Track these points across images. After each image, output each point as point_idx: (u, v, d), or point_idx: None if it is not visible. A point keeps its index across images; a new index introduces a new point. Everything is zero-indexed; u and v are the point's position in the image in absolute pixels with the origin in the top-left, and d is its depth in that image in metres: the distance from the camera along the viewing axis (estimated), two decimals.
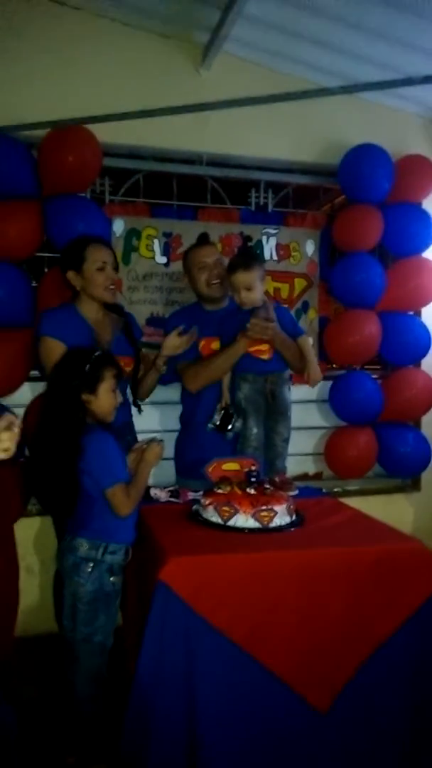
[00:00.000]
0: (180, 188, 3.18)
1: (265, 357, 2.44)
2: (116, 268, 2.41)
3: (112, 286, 2.34)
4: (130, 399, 2.51)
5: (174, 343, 2.48)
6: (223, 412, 2.47)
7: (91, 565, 1.89)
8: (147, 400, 2.63)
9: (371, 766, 1.78)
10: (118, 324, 2.42)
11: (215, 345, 2.55)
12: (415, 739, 1.80)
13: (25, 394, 2.86)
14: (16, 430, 1.46)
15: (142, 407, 2.58)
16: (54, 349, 2.20)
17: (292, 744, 1.73)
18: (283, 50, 3.03)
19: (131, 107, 2.46)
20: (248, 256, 2.51)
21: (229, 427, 2.45)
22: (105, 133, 2.73)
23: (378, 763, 1.79)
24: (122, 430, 2.37)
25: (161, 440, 2.05)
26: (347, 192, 3.23)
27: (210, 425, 2.48)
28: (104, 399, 1.91)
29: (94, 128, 2.69)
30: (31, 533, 2.89)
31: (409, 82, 2.48)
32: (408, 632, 1.76)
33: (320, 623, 1.73)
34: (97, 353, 1.94)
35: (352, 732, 1.76)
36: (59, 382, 1.91)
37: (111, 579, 1.92)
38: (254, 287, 2.39)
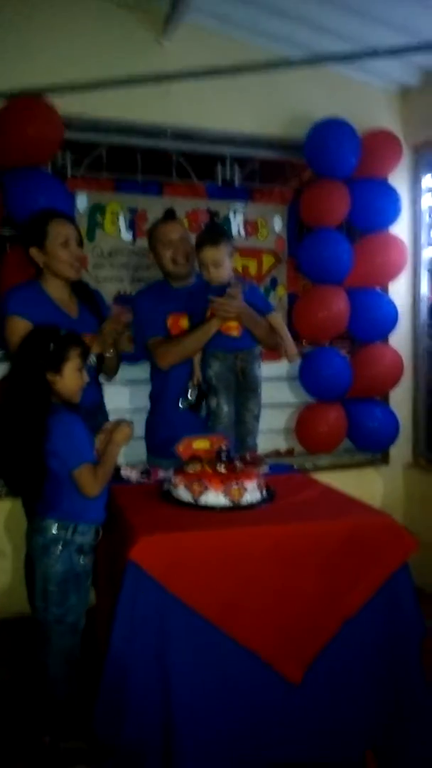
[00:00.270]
0: (145, 163, 3.11)
1: (234, 334, 2.43)
2: (81, 244, 2.35)
3: (76, 263, 2.29)
4: (101, 379, 2.47)
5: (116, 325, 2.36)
6: (197, 389, 2.45)
7: (61, 545, 1.88)
8: (117, 378, 2.60)
9: (343, 735, 1.82)
10: (84, 301, 2.37)
11: (183, 322, 2.53)
12: (386, 709, 1.84)
13: None
14: None
15: (111, 386, 2.55)
16: (20, 328, 2.14)
17: (265, 716, 1.75)
18: (246, 21, 2.97)
19: (92, 78, 2.38)
20: (216, 231, 2.49)
21: (203, 404, 2.44)
22: (66, 105, 2.65)
23: (350, 732, 1.83)
24: (93, 410, 2.34)
25: (130, 421, 2.03)
26: (314, 167, 3.20)
27: (183, 403, 2.46)
28: (70, 379, 1.87)
29: (55, 99, 2.60)
30: (1, 516, 2.86)
31: (373, 54, 2.46)
32: (377, 604, 1.80)
33: (292, 597, 1.75)
34: (62, 332, 1.89)
35: (324, 702, 1.79)
36: (23, 362, 1.87)
37: (81, 559, 1.91)
38: (222, 263, 2.37)
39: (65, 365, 1.86)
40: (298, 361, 3.24)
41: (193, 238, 2.58)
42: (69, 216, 2.43)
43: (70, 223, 2.32)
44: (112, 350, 2.37)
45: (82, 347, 1.93)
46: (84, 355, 1.93)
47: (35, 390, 1.83)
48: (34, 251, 2.26)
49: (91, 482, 1.84)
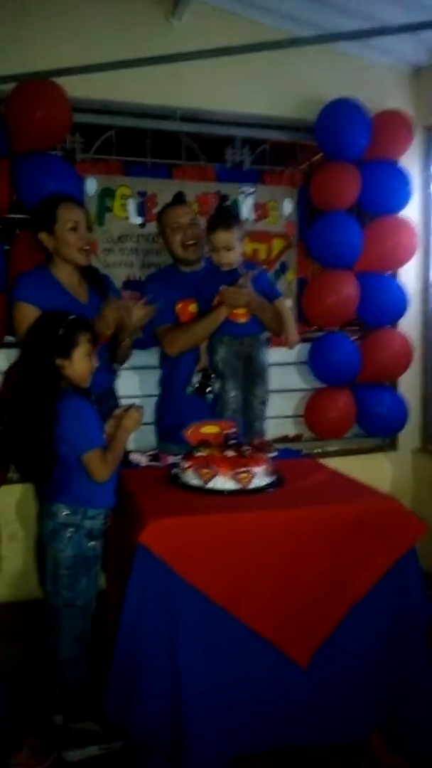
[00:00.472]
0: (154, 146, 3.09)
1: (242, 320, 2.43)
2: (90, 228, 2.34)
3: (86, 247, 2.28)
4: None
5: (140, 313, 2.36)
6: (201, 374, 2.45)
7: (71, 530, 1.90)
8: (126, 364, 2.60)
9: (350, 717, 1.84)
10: (93, 286, 2.36)
11: (192, 307, 2.52)
12: (392, 692, 1.86)
13: (0, 360, 2.81)
14: None
15: (121, 372, 2.55)
16: (29, 314, 2.14)
17: (273, 698, 1.78)
18: (257, 0, 2.92)
19: (101, 59, 2.35)
20: (228, 215, 2.48)
21: (208, 389, 2.44)
22: (75, 88, 2.63)
23: (356, 714, 1.85)
24: (104, 395, 2.35)
25: (140, 406, 2.03)
26: (324, 148, 3.16)
27: (189, 388, 2.47)
28: (79, 364, 1.88)
29: (64, 82, 2.57)
30: (12, 500, 2.89)
31: (384, 31, 2.41)
32: (384, 588, 1.81)
33: (300, 581, 1.76)
34: (71, 317, 1.89)
35: (331, 685, 1.81)
36: (32, 347, 1.87)
37: (91, 543, 1.93)
38: (234, 247, 2.36)
39: (74, 350, 1.86)
40: (306, 347, 3.24)
41: (202, 221, 2.57)
42: (78, 200, 2.41)
43: (79, 208, 2.30)
44: (128, 340, 2.37)
45: (91, 332, 1.93)
46: (93, 340, 1.93)
47: (44, 375, 1.84)
48: (43, 236, 2.25)
49: (100, 467, 1.85)
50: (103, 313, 2.25)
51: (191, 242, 2.49)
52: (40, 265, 2.36)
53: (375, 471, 3.44)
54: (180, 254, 2.53)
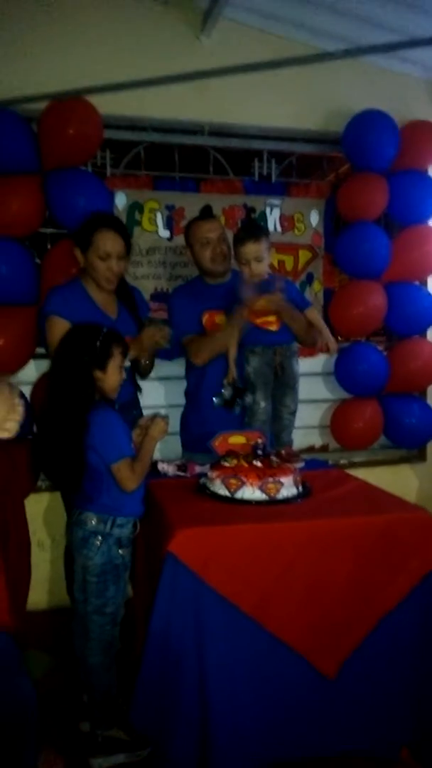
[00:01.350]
0: (182, 160, 3.14)
1: (273, 328, 2.44)
2: (128, 253, 2.32)
3: (112, 278, 2.28)
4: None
5: (155, 336, 2.33)
6: (231, 387, 2.46)
7: (100, 538, 1.92)
8: (152, 374, 2.63)
9: (377, 730, 1.82)
10: (123, 301, 2.40)
11: (218, 318, 2.54)
12: (420, 705, 1.83)
13: (31, 371, 2.87)
14: (20, 409, 1.47)
15: (147, 382, 2.58)
16: (60, 328, 2.18)
17: (300, 709, 1.77)
18: (284, 14, 2.95)
19: (131, 77, 2.41)
20: (256, 227, 2.49)
21: (238, 401, 2.45)
22: (105, 105, 2.69)
23: (383, 727, 1.83)
24: (128, 405, 2.38)
25: (166, 415, 2.05)
26: (352, 160, 3.18)
27: (218, 400, 2.47)
28: (112, 376, 1.91)
29: (94, 99, 2.64)
30: (40, 508, 2.93)
31: (413, 44, 2.42)
32: (414, 601, 1.79)
33: (328, 592, 1.75)
34: (105, 329, 1.93)
35: (358, 697, 1.80)
36: (68, 359, 1.90)
37: (120, 552, 1.94)
38: (263, 259, 2.38)
39: (109, 362, 1.89)
40: (333, 357, 3.23)
41: (229, 234, 2.59)
42: (120, 226, 2.34)
43: (117, 237, 2.26)
44: (147, 359, 2.40)
45: (123, 345, 1.96)
46: (124, 353, 1.97)
47: (80, 386, 1.87)
48: (77, 252, 2.29)
49: (129, 476, 1.87)
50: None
51: (220, 256, 2.50)
52: (73, 278, 2.41)
53: (402, 482, 3.41)
54: (209, 267, 2.55)
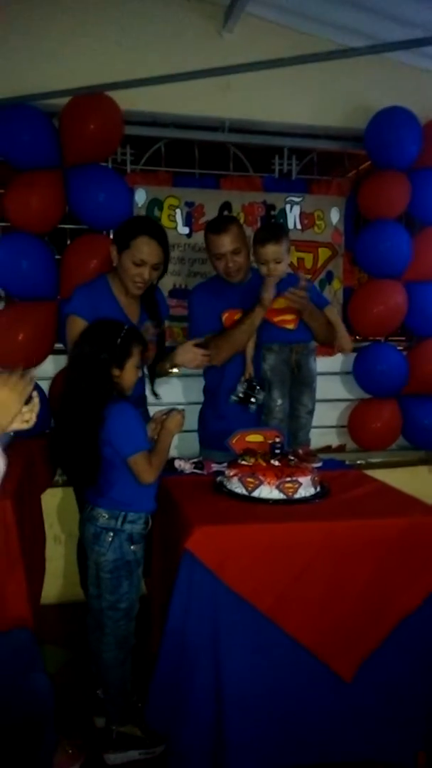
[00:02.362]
0: (202, 156, 3.13)
1: (290, 327, 2.42)
2: (165, 266, 2.30)
3: (140, 284, 2.26)
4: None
5: (187, 356, 2.34)
6: (246, 384, 2.45)
7: (111, 534, 1.92)
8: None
9: (393, 734, 1.80)
10: (145, 305, 2.38)
11: (238, 318, 2.52)
12: None
13: (50, 366, 2.88)
14: (36, 401, 1.48)
15: (166, 379, 2.57)
16: (79, 328, 2.16)
17: (316, 711, 1.75)
18: (306, 10, 2.93)
19: (152, 73, 2.40)
20: (277, 227, 2.47)
21: (252, 399, 2.44)
22: (126, 100, 2.69)
23: (402, 732, 1.81)
24: (138, 401, 2.38)
25: (182, 409, 2.05)
26: (373, 157, 3.14)
27: (233, 397, 2.47)
28: (130, 374, 1.92)
29: (115, 95, 2.64)
30: (54, 503, 2.94)
31: None
32: None
33: (345, 594, 1.74)
34: (126, 327, 1.93)
35: (375, 701, 1.78)
36: (89, 354, 1.90)
37: (132, 547, 1.94)
38: (283, 259, 2.37)
39: (128, 361, 1.90)
40: (352, 356, 3.21)
41: (248, 231, 2.57)
42: (163, 238, 2.27)
43: (158, 247, 2.23)
44: (175, 369, 2.39)
45: (143, 345, 1.97)
46: (143, 352, 1.97)
47: (100, 382, 1.87)
48: (113, 249, 2.28)
49: (146, 469, 1.87)
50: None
51: (234, 270, 2.45)
52: (101, 274, 2.39)
53: (420, 484, 3.36)
54: (224, 278, 2.53)
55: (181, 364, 2.37)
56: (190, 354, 2.34)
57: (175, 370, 2.43)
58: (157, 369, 2.43)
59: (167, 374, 2.49)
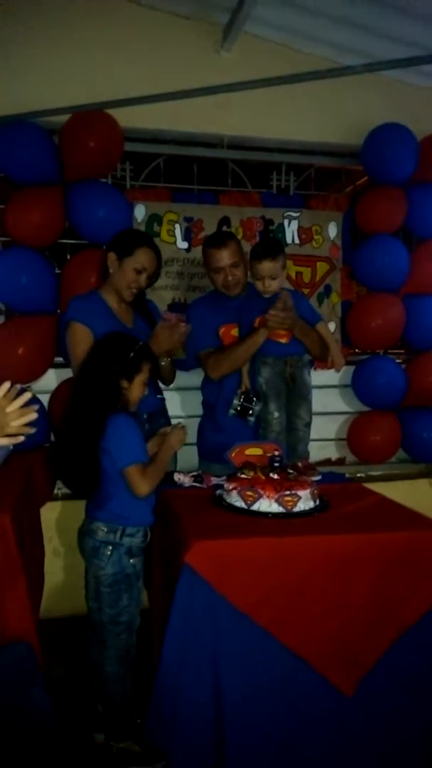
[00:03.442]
0: (201, 172, 3.16)
1: (283, 341, 2.44)
2: (156, 276, 2.42)
3: (135, 291, 2.35)
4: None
5: (164, 333, 2.34)
6: (243, 397, 2.47)
7: (110, 548, 1.92)
8: (170, 385, 2.64)
9: (397, 752, 1.79)
10: (138, 311, 2.43)
11: (235, 332, 2.54)
12: None
13: (50, 380, 2.89)
14: (34, 416, 1.46)
15: (165, 392, 2.59)
16: (82, 334, 2.23)
17: (316, 726, 1.74)
18: (304, 29, 2.98)
19: (151, 91, 2.44)
20: (274, 245, 2.48)
21: (250, 411, 2.45)
22: (125, 118, 2.72)
23: (404, 749, 1.79)
24: (156, 413, 2.42)
25: (184, 426, 2.06)
26: (370, 173, 3.18)
27: (231, 411, 2.48)
28: (137, 389, 1.94)
29: (115, 112, 2.67)
30: (54, 516, 2.94)
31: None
32: None
33: (345, 608, 1.73)
34: (140, 343, 1.97)
35: (376, 715, 1.76)
36: (100, 365, 1.92)
37: (131, 561, 1.95)
38: (278, 276, 2.39)
39: (137, 376, 1.92)
40: (350, 369, 3.22)
41: (246, 246, 2.59)
42: (159, 253, 2.41)
43: (155, 260, 2.37)
44: (168, 359, 2.42)
45: (154, 363, 1.99)
46: (153, 370, 1.99)
47: (107, 392, 1.89)
48: (112, 256, 2.33)
49: (140, 481, 1.87)
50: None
51: (232, 284, 2.49)
52: (90, 290, 2.45)
53: (420, 497, 3.36)
54: (222, 291, 2.55)
55: (167, 347, 2.35)
56: (165, 331, 2.33)
57: (166, 360, 2.45)
58: (161, 372, 2.46)
59: (170, 372, 2.52)
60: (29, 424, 1.47)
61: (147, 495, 1.90)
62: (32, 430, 1.48)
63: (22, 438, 1.48)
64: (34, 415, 1.47)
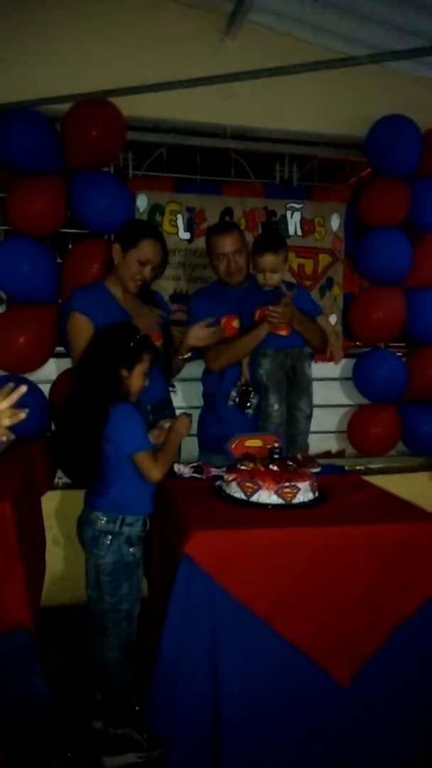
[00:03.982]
0: (204, 162, 3.15)
1: (283, 333, 2.44)
2: (162, 268, 2.41)
3: (139, 282, 2.34)
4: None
5: (199, 334, 2.44)
6: (242, 389, 2.47)
7: (110, 537, 1.93)
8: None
9: (393, 741, 1.80)
10: (144, 301, 2.42)
11: (236, 323, 2.54)
12: None
13: (51, 369, 2.89)
14: (22, 415, 1.47)
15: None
16: (82, 325, 2.23)
17: (314, 716, 1.75)
18: (308, 18, 2.96)
19: (155, 79, 2.42)
20: (275, 238, 2.48)
21: (248, 404, 2.46)
22: (128, 106, 2.71)
23: (400, 738, 1.81)
24: (161, 404, 2.42)
25: (189, 414, 2.08)
26: (374, 165, 3.17)
27: (230, 402, 2.49)
28: (136, 379, 1.95)
29: (118, 101, 2.66)
30: (54, 505, 2.95)
31: None
32: (430, 610, 1.77)
33: (343, 599, 1.74)
34: (141, 333, 1.97)
35: (373, 706, 1.78)
36: (101, 354, 1.94)
37: (131, 550, 1.96)
38: (280, 269, 2.39)
39: (137, 365, 1.93)
40: (351, 362, 3.22)
41: (248, 236, 2.58)
42: (164, 244, 2.41)
43: (160, 251, 2.35)
44: (188, 354, 2.46)
45: (155, 354, 2.00)
46: (153, 361, 1.99)
47: (108, 380, 1.90)
48: (117, 247, 2.33)
49: (152, 465, 1.88)
50: (138, 312, 2.35)
51: (235, 270, 2.50)
52: (96, 280, 2.44)
53: (420, 490, 3.34)
54: (225, 279, 2.55)
55: (194, 344, 2.45)
56: (203, 332, 2.43)
57: (188, 355, 2.49)
58: (172, 363, 2.48)
59: (182, 363, 2.53)
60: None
61: (159, 480, 1.92)
62: (12, 436, 1.50)
63: (3, 439, 1.49)
64: (22, 416, 1.48)
